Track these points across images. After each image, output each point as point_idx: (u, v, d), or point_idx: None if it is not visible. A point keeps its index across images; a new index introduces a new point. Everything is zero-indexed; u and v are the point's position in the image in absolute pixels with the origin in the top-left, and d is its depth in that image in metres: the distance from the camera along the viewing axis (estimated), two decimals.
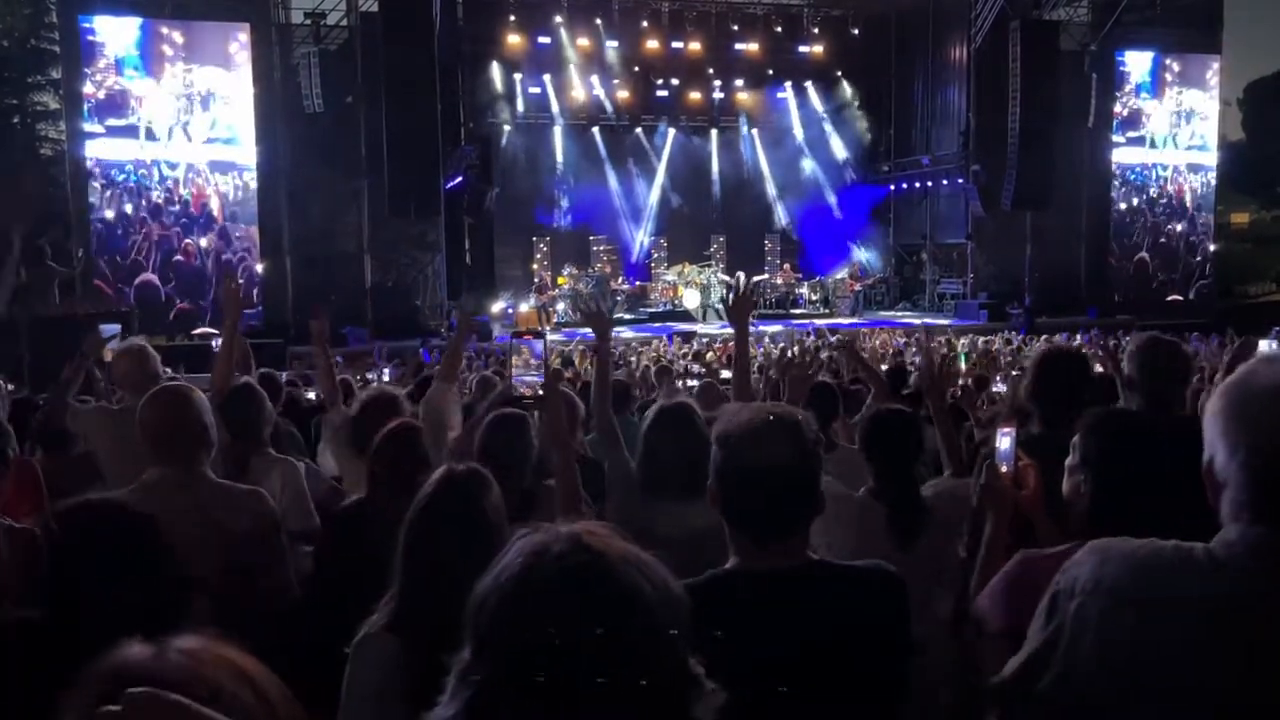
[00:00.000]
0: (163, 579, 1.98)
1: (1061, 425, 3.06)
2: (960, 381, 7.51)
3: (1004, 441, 2.46)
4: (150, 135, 18.87)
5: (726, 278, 23.44)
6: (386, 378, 9.27)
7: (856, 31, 25.93)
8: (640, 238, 26.67)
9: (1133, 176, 24.95)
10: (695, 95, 26.01)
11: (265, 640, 1.93)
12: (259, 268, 19.51)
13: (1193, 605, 1.35)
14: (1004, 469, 2.44)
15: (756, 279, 23.35)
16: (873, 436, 3.36)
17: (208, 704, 0.95)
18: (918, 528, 3.21)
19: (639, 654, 1.06)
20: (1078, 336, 15.73)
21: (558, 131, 25.63)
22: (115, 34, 18.65)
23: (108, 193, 18.69)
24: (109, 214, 18.72)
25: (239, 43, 19.38)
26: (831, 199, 27.11)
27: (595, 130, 25.85)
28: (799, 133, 27.04)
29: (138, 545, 1.99)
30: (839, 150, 26.63)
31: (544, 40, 23.96)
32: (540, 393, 3.00)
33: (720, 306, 23.63)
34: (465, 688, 1.09)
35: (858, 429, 3.51)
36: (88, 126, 18.60)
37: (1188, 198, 25.44)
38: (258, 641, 1.05)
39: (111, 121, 18.66)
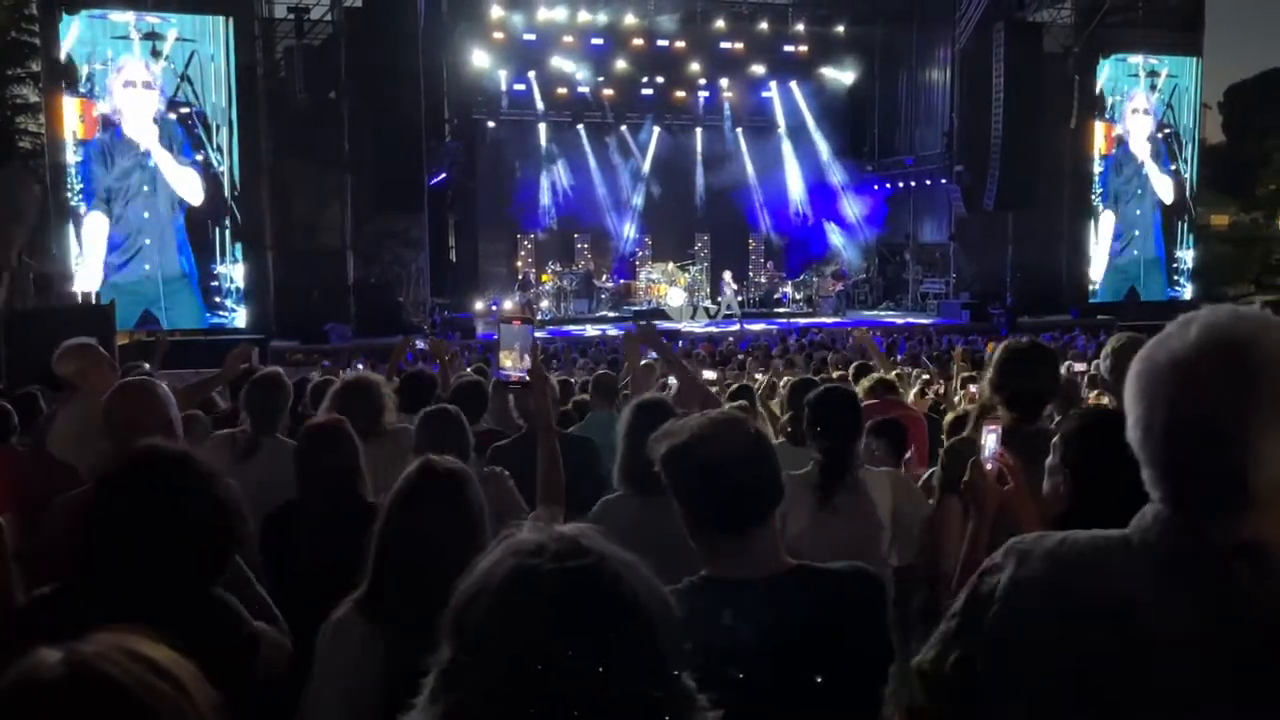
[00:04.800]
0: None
1: (1028, 420, 3.11)
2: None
3: (989, 439, 2.45)
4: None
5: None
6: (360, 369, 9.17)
7: (841, 30, 25.96)
8: (625, 235, 26.66)
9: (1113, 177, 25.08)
10: (680, 93, 25.99)
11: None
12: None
13: (1109, 597, 1.29)
14: (989, 466, 2.44)
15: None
16: (816, 412, 3.45)
17: (123, 702, 0.94)
18: (840, 487, 3.30)
19: (637, 661, 1.04)
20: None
21: (542, 128, 25.57)
22: (93, 28, 18.48)
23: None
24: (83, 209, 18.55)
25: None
26: (815, 198, 27.15)
27: (580, 127, 25.80)
28: (783, 131, 27.07)
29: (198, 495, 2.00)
30: (823, 149, 26.63)
31: (529, 37, 23.90)
32: (527, 379, 2.99)
33: (708, 304, 23.68)
34: (449, 692, 1.05)
35: (805, 410, 3.56)
36: (68, 118, 18.40)
37: (1168, 199, 25.57)
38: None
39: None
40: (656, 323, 21.27)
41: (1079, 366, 6.62)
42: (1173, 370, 1.26)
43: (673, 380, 6.17)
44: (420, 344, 13.58)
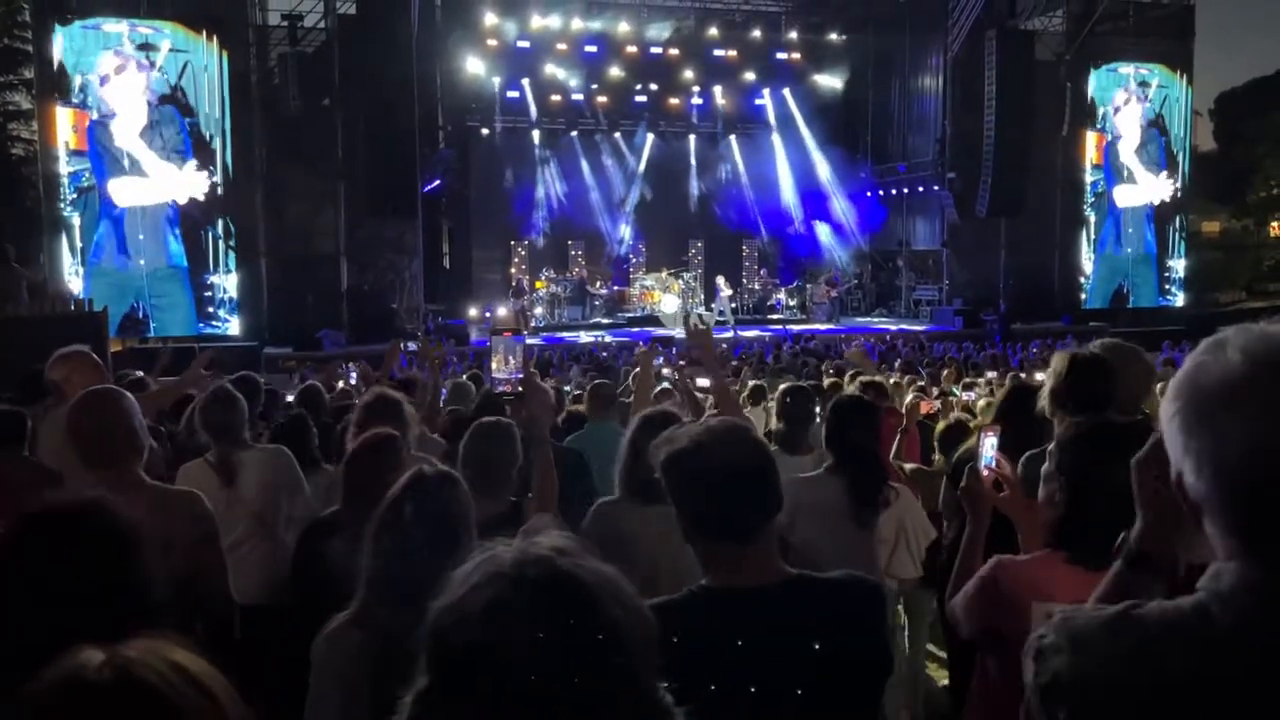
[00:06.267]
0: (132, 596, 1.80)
1: None
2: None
3: (987, 445, 2.47)
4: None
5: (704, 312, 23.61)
6: (354, 380, 9.14)
7: (834, 37, 26.04)
8: (620, 241, 26.65)
9: (1105, 184, 25.16)
10: (673, 100, 26.03)
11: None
12: None
13: (1196, 683, 1.08)
14: (985, 472, 2.45)
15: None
16: (833, 421, 3.55)
17: (162, 710, 0.94)
18: (877, 497, 3.38)
19: (615, 686, 1.04)
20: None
21: (536, 135, 25.59)
22: (85, 38, 18.44)
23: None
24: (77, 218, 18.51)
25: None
26: (807, 204, 27.19)
27: (574, 134, 25.82)
28: (776, 138, 27.11)
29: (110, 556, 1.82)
30: (816, 156, 26.66)
31: (523, 44, 23.92)
32: (520, 389, 2.99)
33: (702, 311, 23.67)
34: (426, 717, 1.06)
35: (824, 419, 3.64)
36: (60, 128, 18.35)
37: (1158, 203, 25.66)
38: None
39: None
40: (654, 329, 21.32)
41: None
42: (1230, 399, 1.08)
43: (665, 383, 6.20)
44: (412, 346, 13.56)
